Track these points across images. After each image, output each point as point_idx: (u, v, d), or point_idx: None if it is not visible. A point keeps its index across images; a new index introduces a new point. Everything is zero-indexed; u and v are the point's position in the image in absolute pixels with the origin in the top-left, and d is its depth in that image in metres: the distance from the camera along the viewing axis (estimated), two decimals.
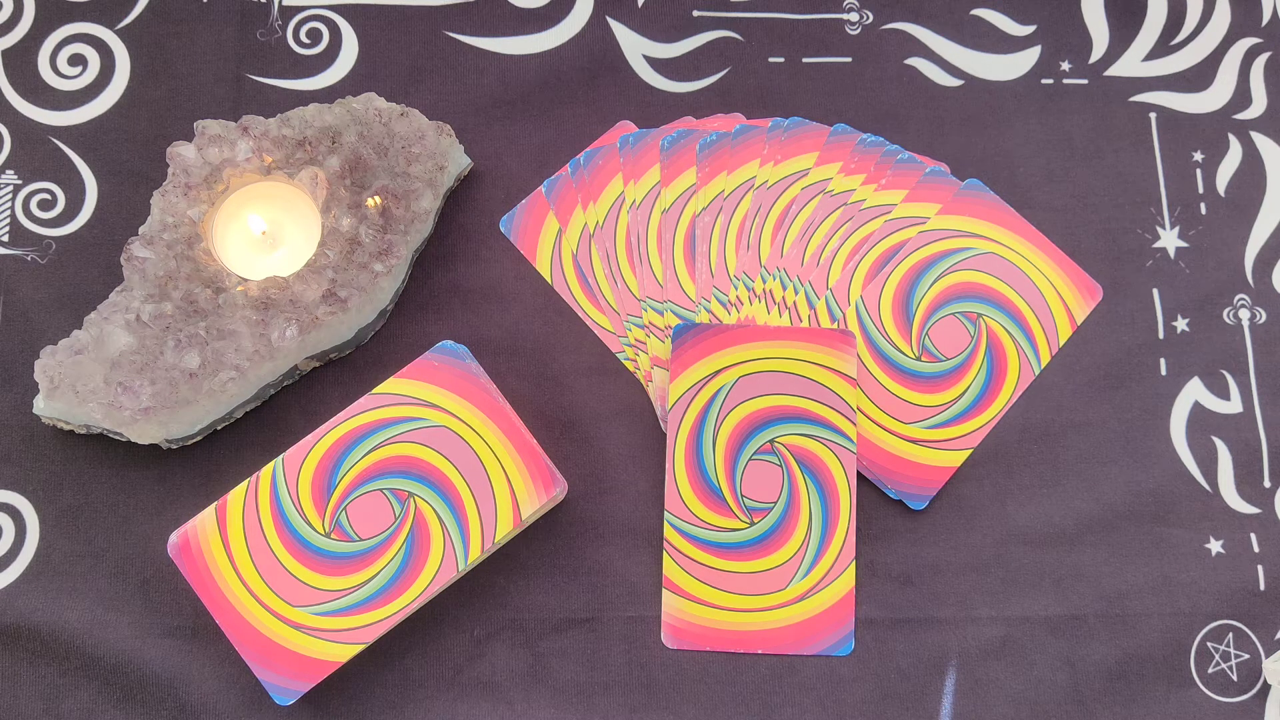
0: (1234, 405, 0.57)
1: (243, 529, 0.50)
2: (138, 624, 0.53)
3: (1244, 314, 0.58)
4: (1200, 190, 0.59)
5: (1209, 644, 0.54)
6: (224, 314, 0.52)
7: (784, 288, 0.57)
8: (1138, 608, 0.54)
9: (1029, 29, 0.61)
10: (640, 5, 0.61)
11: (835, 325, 0.56)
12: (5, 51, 0.60)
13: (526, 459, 0.51)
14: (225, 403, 0.53)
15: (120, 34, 0.60)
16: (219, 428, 0.55)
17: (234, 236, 0.55)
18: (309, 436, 0.51)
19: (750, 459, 0.54)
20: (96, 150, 0.59)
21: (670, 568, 0.53)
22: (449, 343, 0.52)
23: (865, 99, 0.60)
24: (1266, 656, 0.54)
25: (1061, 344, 0.57)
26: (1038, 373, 0.57)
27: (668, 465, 0.54)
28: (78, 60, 0.60)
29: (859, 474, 0.55)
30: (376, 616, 0.49)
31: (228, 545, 0.50)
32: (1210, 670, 0.53)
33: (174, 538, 0.50)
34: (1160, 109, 0.60)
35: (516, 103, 0.60)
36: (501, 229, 0.58)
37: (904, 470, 0.55)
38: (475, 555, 0.50)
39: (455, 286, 0.57)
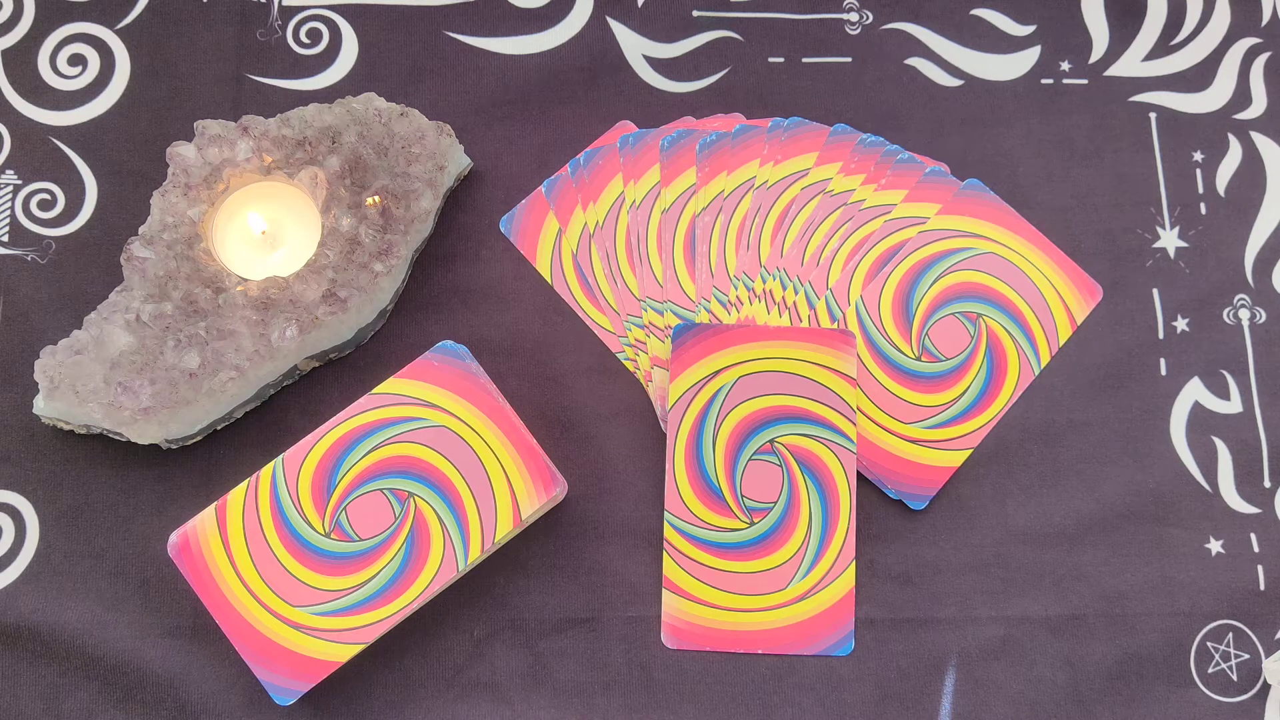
0: (1234, 405, 0.57)
1: (243, 529, 0.50)
2: (138, 624, 0.53)
3: (1244, 314, 0.58)
4: (1200, 190, 0.59)
5: (1209, 644, 0.54)
6: (224, 314, 0.52)
7: (784, 288, 0.57)
8: (1138, 608, 0.54)
9: (1029, 29, 0.61)
10: (640, 5, 0.61)
11: (835, 325, 0.56)
12: (5, 51, 0.60)
13: (526, 459, 0.51)
14: (225, 403, 0.53)
15: (120, 34, 0.60)
16: (219, 428, 0.55)
17: (234, 236, 0.55)
18: (309, 436, 0.51)
19: (750, 459, 0.54)
20: (96, 150, 0.59)
21: (670, 568, 0.53)
22: (449, 343, 0.52)
23: (865, 99, 0.60)
24: (1266, 656, 0.54)
25: (1061, 344, 0.57)
26: (1038, 373, 0.57)
27: (668, 465, 0.54)
28: (78, 60, 0.60)
29: (859, 474, 0.55)
30: (376, 616, 0.49)
31: (228, 545, 0.50)
32: (1210, 670, 0.53)
33: (174, 538, 0.50)
34: (1160, 109, 0.60)
35: (516, 103, 0.60)
36: (501, 229, 0.58)
37: (904, 470, 0.55)
38: (475, 555, 0.50)
39: (455, 286, 0.57)
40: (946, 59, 0.61)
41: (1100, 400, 0.56)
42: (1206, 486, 0.56)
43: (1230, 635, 0.54)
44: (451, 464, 0.51)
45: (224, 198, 0.55)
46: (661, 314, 0.57)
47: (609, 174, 0.59)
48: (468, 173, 0.59)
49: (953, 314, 0.57)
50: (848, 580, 0.53)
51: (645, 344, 0.56)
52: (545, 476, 0.51)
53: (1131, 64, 0.61)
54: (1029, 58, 0.61)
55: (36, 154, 0.58)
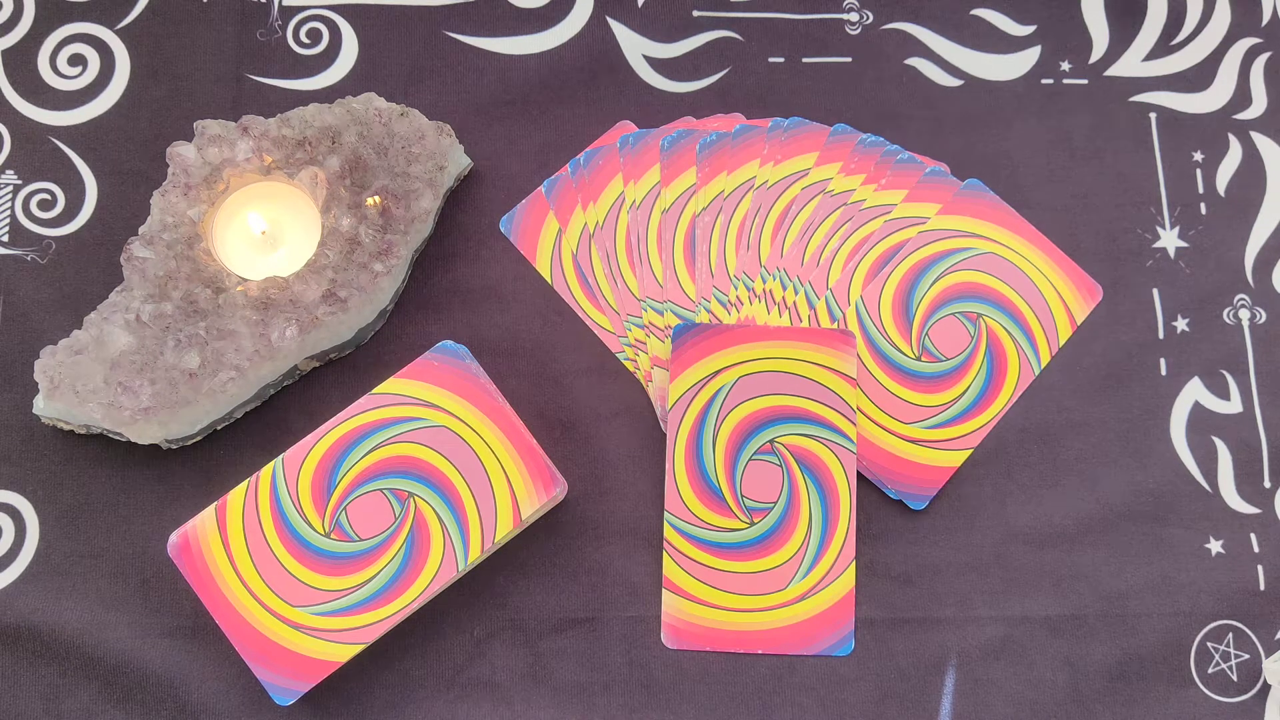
0: (1234, 405, 0.57)
1: (243, 529, 0.50)
2: (138, 624, 0.53)
3: (1244, 314, 0.58)
4: (1200, 190, 0.59)
5: (1209, 644, 0.54)
6: (224, 314, 0.52)
7: (784, 288, 0.57)
8: (1138, 608, 0.54)
9: (1029, 29, 0.61)
10: (640, 5, 0.61)
11: (835, 325, 0.56)
12: (5, 51, 0.60)
13: (526, 459, 0.51)
14: (225, 403, 0.53)
15: (120, 34, 0.60)
16: (219, 428, 0.55)
17: (234, 236, 0.55)
18: (309, 436, 0.51)
19: (750, 459, 0.54)
20: (96, 150, 0.59)
21: (670, 568, 0.53)
22: (449, 343, 0.52)
23: (865, 99, 0.60)
24: (1266, 656, 0.54)
25: (1061, 344, 0.57)
26: (1038, 373, 0.57)
27: (668, 465, 0.54)
28: (78, 60, 0.60)
29: (859, 474, 0.55)
30: (376, 616, 0.49)
31: (228, 545, 0.50)
32: (1210, 670, 0.53)
33: (174, 538, 0.50)
34: (1160, 109, 0.60)
35: (516, 103, 0.60)
36: (501, 229, 0.58)
37: (904, 470, 0.55)
38: (475, 555, 0.50)
39: (455, 286, 0.57)
40: (946, 59, 0.61)
41: (1100, 400, 0.56)
42: (1206, 486, 0.56)
43: (1230, 635, 0.54)
44: (451, 464, 0.51)
45: (224, 198, 0.55)
46: (661, 314, 0.57)
47: (609, 174, 0.59)
48: (468, 173, 0.59)
49: (953, 314, 0.57)
50: (848, 580, 0.53)
51: (645, 344, 0.56)
52: (545, 476, 0.51)
53: (1131, 64, 0.61)
54: (1029, 58, 0.61)
55: (36, 154, 0.58)
